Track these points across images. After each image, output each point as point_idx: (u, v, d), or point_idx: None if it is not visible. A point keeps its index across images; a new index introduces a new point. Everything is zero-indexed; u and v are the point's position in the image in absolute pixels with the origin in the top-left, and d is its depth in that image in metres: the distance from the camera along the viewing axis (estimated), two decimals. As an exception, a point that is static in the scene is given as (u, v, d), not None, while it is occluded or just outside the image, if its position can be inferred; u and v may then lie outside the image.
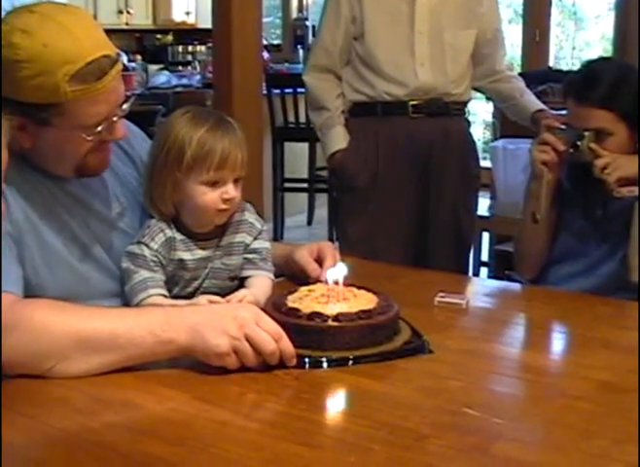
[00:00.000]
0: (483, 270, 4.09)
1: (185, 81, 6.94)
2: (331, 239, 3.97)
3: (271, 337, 1.29)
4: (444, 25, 2.78)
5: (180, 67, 8.09)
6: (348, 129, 2.85)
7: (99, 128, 1.43)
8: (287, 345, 1.31)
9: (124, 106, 1.49)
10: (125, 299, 1.56)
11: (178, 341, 1.29)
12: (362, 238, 2.82)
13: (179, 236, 1.60)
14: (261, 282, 1.63)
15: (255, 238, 1.65)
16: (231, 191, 1.56)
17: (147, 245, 1.56)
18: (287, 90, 5.30)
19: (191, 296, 1.60)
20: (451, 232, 2.88)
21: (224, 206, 1.57)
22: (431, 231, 2.86)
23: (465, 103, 2.90)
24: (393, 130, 2.79)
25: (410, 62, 2.75)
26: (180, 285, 1.62)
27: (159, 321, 1.30)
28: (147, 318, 1.32)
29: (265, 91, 5.07)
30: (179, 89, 6.37)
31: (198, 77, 7.03)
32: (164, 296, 1.55)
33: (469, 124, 2.96)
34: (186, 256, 1.60)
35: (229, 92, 3.69)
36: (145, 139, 1.76)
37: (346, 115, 2.86)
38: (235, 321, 1.29)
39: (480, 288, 2.05)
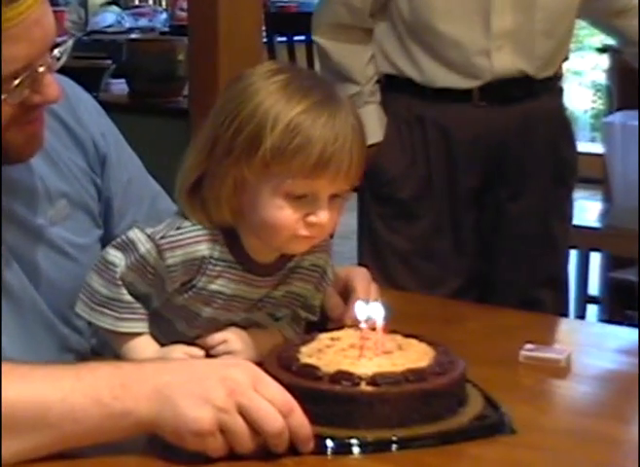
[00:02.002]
0: (592, 309, 4.09)
1: (144, 22, 7.00)
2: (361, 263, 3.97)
3: (277, 408, 1.30)
4: None
5: (136, 1, 8.15)
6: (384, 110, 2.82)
7: (17, 82, 1.42)
8: (300, 421, 1.32)
9: (56, 51, 1.48)
10: (53, 355, 1.58)
11: (137, 413, 1.30)
12: (408, 263, 2.84)
13: (224, 257, 1.53)
14: (272, 332, 1.62)
15: (317, 291, 1.64)
16: (323, 214, 1.47)
17: (161, 253, 1.50)
18: (297, 38, 5.32)
19: (191, 343, 1.56)
20: (542, 254, 2.89)
21: (305, 233, 1.49)
22: (509, 253, 2.87)
23: (559, 76, 2.90)
24: (448, 115, 2.77)
25: (482, 40, 2.71)
26: (188, 323, 1.58)
27: (108, 384, 1.31)
28: (91, 380, 1.32)
29: (265, 39, 5.10)
30: (135, 36, 6.40)
31: (164, 16, 7.10)
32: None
33: (561, 92, 2.95)
34: (218, 287, 1.54)
35: (211, 41, 3.71)
36: (102, 115, 1.77)
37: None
38: (224, 384, 1.30)
39: (587, 337, 2.06)
